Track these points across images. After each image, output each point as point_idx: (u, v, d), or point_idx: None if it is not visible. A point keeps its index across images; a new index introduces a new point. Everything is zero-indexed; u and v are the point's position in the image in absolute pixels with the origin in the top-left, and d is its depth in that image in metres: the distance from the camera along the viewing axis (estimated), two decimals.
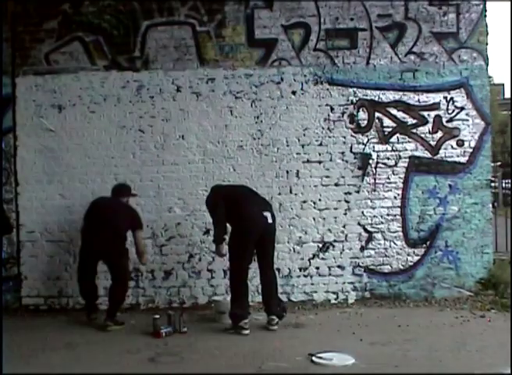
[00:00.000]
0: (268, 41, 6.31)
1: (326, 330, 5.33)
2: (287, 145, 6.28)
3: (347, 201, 6.22)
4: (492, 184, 7.88)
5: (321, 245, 6.27)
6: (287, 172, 6.28)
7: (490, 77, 8.08)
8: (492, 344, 4.75)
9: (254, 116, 6.29)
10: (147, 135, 6.28)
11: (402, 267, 6.27)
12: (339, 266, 6.26)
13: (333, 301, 6.23)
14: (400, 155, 6.33)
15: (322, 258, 6.27)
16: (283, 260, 6.23)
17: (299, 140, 6.30)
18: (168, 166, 6.27)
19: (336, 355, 4.47)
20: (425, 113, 6.35)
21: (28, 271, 6.27)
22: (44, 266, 6.27)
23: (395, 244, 6.31)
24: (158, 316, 5.29)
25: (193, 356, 4.62)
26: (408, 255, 6.28)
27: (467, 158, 6.36)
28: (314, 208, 6.28)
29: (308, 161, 6.29)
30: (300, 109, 6.30)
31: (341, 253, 6.26)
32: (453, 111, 6.36)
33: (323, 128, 6.30)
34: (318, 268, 6.27)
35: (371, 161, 6.31)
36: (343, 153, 6.31)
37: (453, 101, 6.35)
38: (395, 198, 6.33)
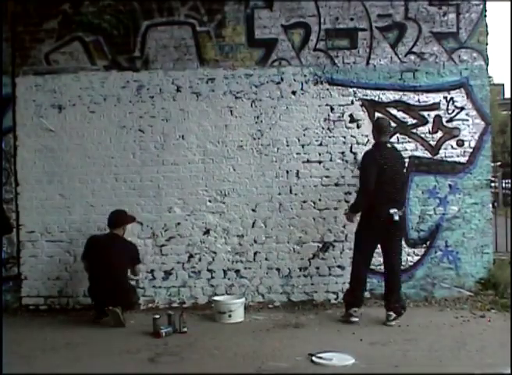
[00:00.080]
0: (268, 41, 6.30)
1: (326, 330, 5.32)
2: (287, 145, 6.28)
3: (347, 201, 6.21)
4: (492, 184, 7.87)
5: (321, 245, 6.27)
6: (287, 172, 6.28)
7: (490, 77, 8.05)
8: (492, 344, 4.75)
9: (254, 116, 6.28)
10: (147, 135, 6.28)
11: (402, 267, 6.25)
12: (339, 266, 6.26)
13: (333, 301, 6.22)
14: None
15: (322, 258, 6.26)
16: (283, 260, 6.24)
17: (299, 140, 6.29)
18: (168, 166, 6.27)
19: (336, 355, 4.46)
20: (425, 113, 6.34)
21: (28, 271, 6.27)
22: (44, 266, 6.27)
23: None
24: (158, 316, 5.29)
25: (193, 356, 4.61)
26: (408, 255, 6.27)
27: (467, 158, 6.35)
28: (314, 208, 6.27)
29: (308, 161, 6.28)
30: (300, 109, 6.29)
31: (341, 253, 6.25)
32: (453, 111, 6.35)
33: (323, 128, 6.29)
34: (318, 268, 6.27)
35: None
36: (343, 153, 6.30)
37: (453, 101, 6.34)
38: None
